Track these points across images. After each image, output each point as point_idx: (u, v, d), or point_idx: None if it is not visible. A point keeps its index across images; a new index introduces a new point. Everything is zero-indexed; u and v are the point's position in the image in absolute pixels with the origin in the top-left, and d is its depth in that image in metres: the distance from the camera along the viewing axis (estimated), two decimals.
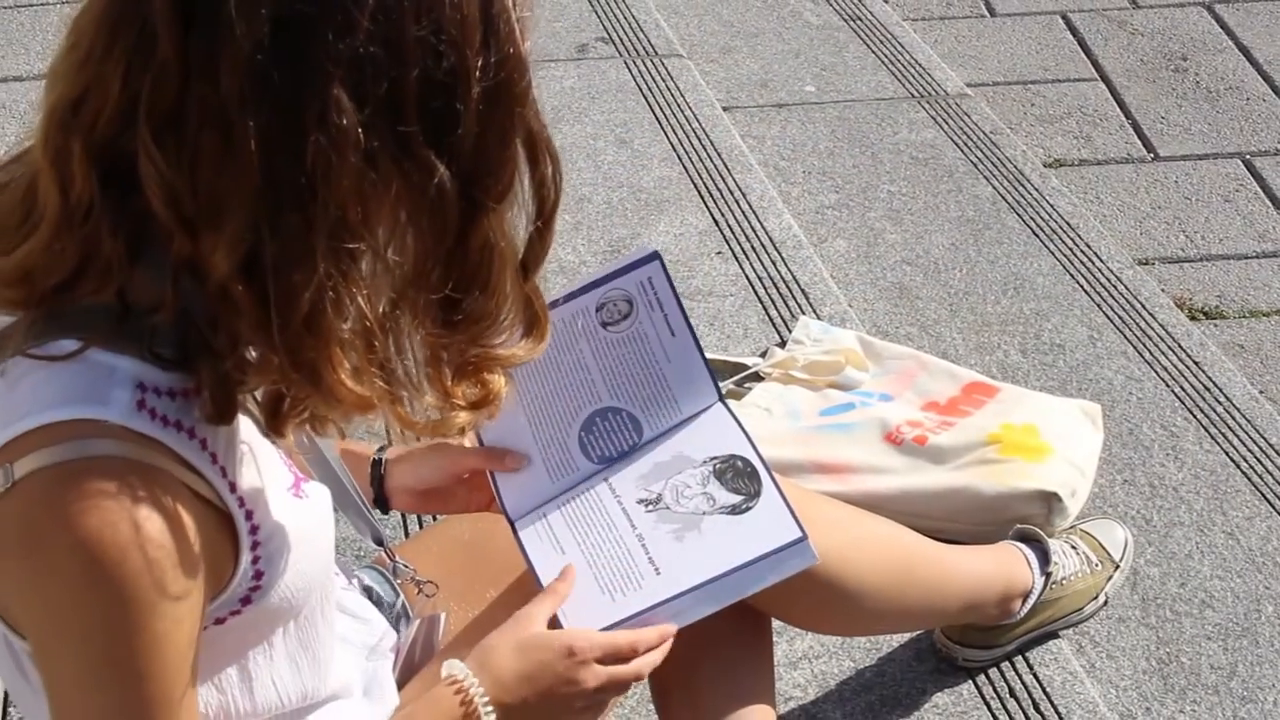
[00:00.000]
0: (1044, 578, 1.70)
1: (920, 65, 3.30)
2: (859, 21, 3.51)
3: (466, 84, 0.85)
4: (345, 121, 0.82)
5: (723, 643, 1.44)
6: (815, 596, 1.42)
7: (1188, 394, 2.29)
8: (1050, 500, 1.87)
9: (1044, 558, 1.71)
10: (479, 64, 0.85)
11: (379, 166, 0.84)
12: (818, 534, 1.36)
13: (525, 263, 0.96)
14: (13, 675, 1.00)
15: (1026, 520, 1.80)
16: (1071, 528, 1.89)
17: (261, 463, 0.99)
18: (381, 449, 1.39)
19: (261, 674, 1.07)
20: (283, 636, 1.07)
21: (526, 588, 1.28)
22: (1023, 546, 1.72)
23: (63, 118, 0.87)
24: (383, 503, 1.38)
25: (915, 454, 1.98)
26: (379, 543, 1.36)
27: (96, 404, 0.87)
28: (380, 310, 0.89)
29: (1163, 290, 2.62)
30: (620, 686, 1.21)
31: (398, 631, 1.31)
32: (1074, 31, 3.58)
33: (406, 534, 1.88)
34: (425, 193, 0.86)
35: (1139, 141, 3.18)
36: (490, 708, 1.14)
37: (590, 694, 1.18)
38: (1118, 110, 3.26)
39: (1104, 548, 1.84)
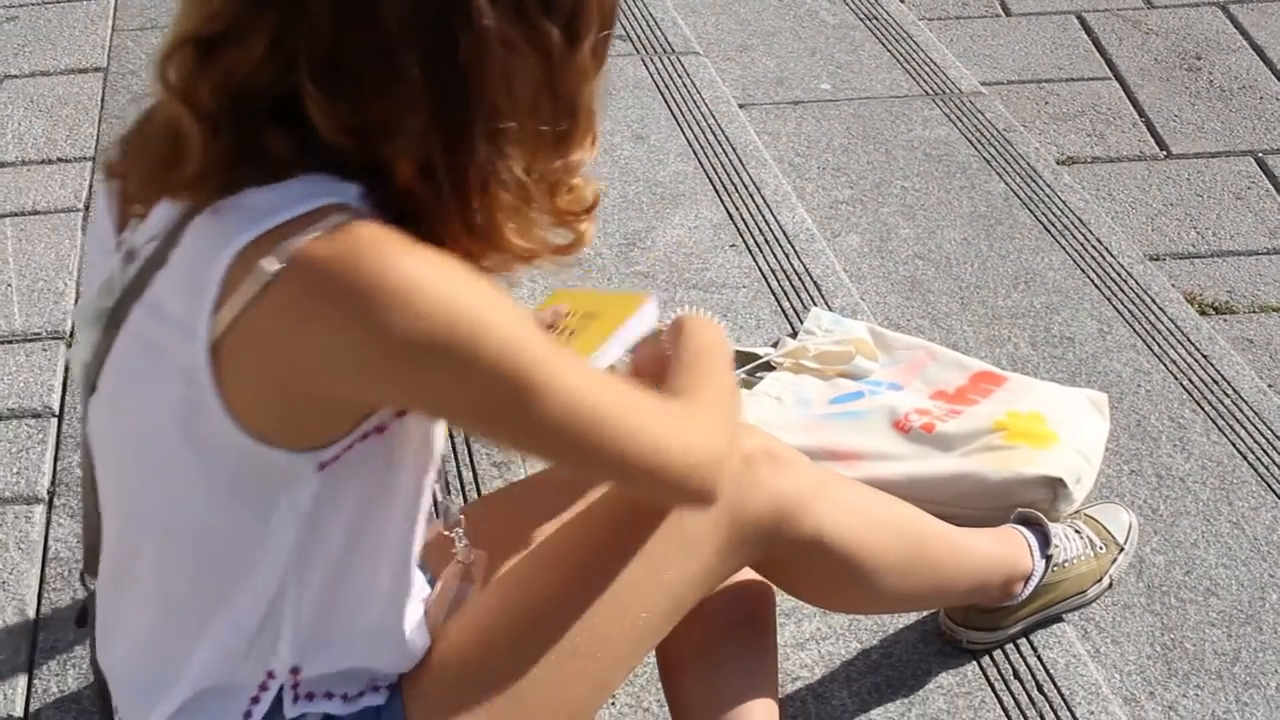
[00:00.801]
0: (1045, 560, 1.73)
1: (935, 64, 3.33)
2: (875, 20, 3.54)
3: None
4: (486, 20, 0.99)
5: (727, 625, 1.48)
6: (831, 574, 1.46)
7: (1196, 386, 2.32)
8: (1055, 486, 1.90)
9: (1044, 540, 1.74)
10: None
11: (515, 47, 1.01)
12: (837, 514, 1.42)
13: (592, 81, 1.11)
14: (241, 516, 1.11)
15: (1032, 506, 1.82)
16: (1076, 513, 1.91)
17: None
18: None
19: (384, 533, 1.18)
20: (400, 500, 1.18)
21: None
22: (1024, 530, 1.75)
23: (194, 57, 1.01)
24: None
25: (923, 441, 2.01)
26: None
27: (338, 194, 1.02)
28: (526, 169, 1.06)
29: (1173, 285, 2.64)
30: None
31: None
32: (1088, 31, 3.60)
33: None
34: (549, 55, 1.03)
35: (1152, 139, 3.20)
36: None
37: None
38: (1131, 109, 3.29)
39: (1108, 531, 1.87)
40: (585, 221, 1.15)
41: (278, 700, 1.20)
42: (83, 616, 1.38)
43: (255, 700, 1.19)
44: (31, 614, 1.79)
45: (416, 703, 1.25)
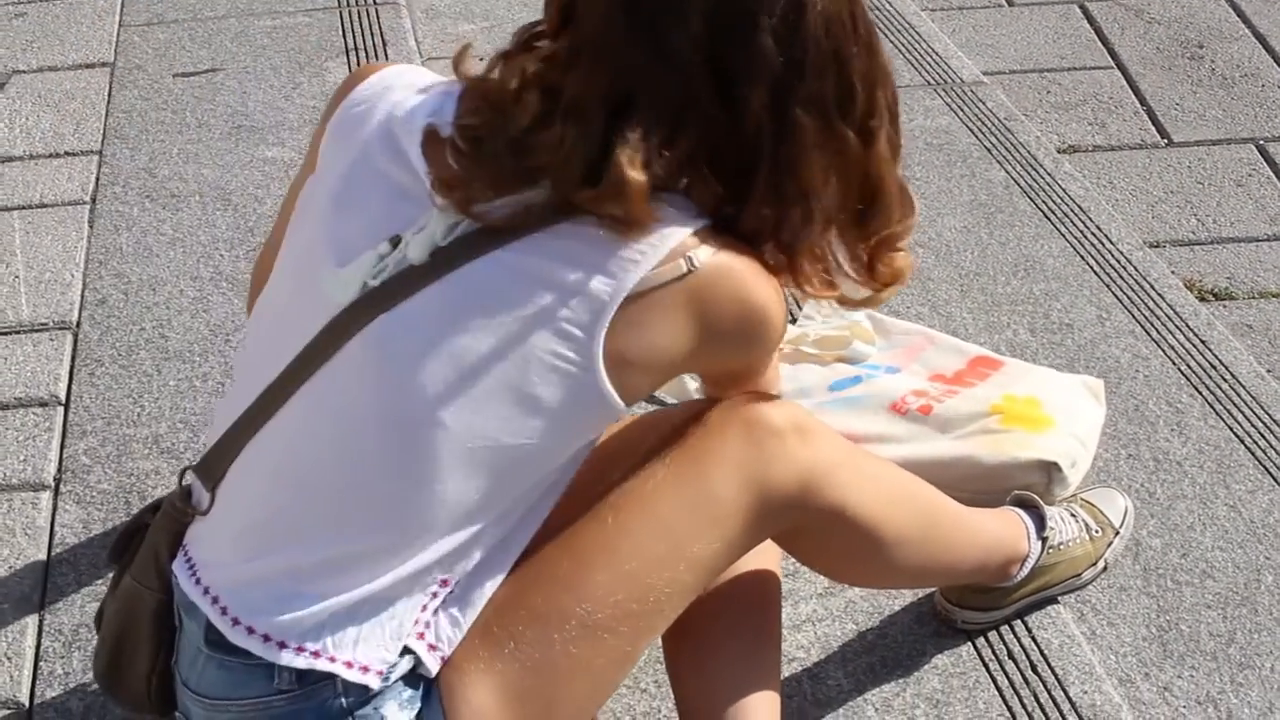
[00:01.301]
0: (1040, 543, 1.75)
1: (937, 54, 3.34)
2: (878, 11, 3.55)
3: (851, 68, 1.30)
4: (802, 121, 1.28)
5: (733, 619, 1.51)
6: (849, 545, 1.50)
7: (1194, 371, 2.33)
8: (1050, 470, 1.92)
9: (1040, 523, 1.75)
10: (854, 49, 1.30)
11: (823, 145, 1.29)
12: (861, 485, 1.46)
13: (894, 155, 1.35)
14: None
15: (1027, 489, 1.84)
16: (1072, 496, 1.93)
17: None
18: None
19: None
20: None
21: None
22: (1020, 512, 1.77)
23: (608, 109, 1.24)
24: None
25: (919, 422, 2.02)
26: None
27: (708, 218, 1.30)
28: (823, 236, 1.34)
29: (1172, 272, 2.65)
30: None
31: None
32: (1091, 20, 3.61)
33: None
34: (848, 150, 1.30)
35: (1153, 128, 3.21)
36: None
37: None
38: (1133, 97, 3.29)
39: (1104, 515, 1.88)
40: (889, 290, 1.40)
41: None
42: (123, 546, 1.45)
43: (424, 608, 1.30)
44: (37, 598, 1.82)
45: (447, 670, 1.30)
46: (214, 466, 1.35)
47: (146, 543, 1.40)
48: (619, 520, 1.35)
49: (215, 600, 1.30)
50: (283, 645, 1.26)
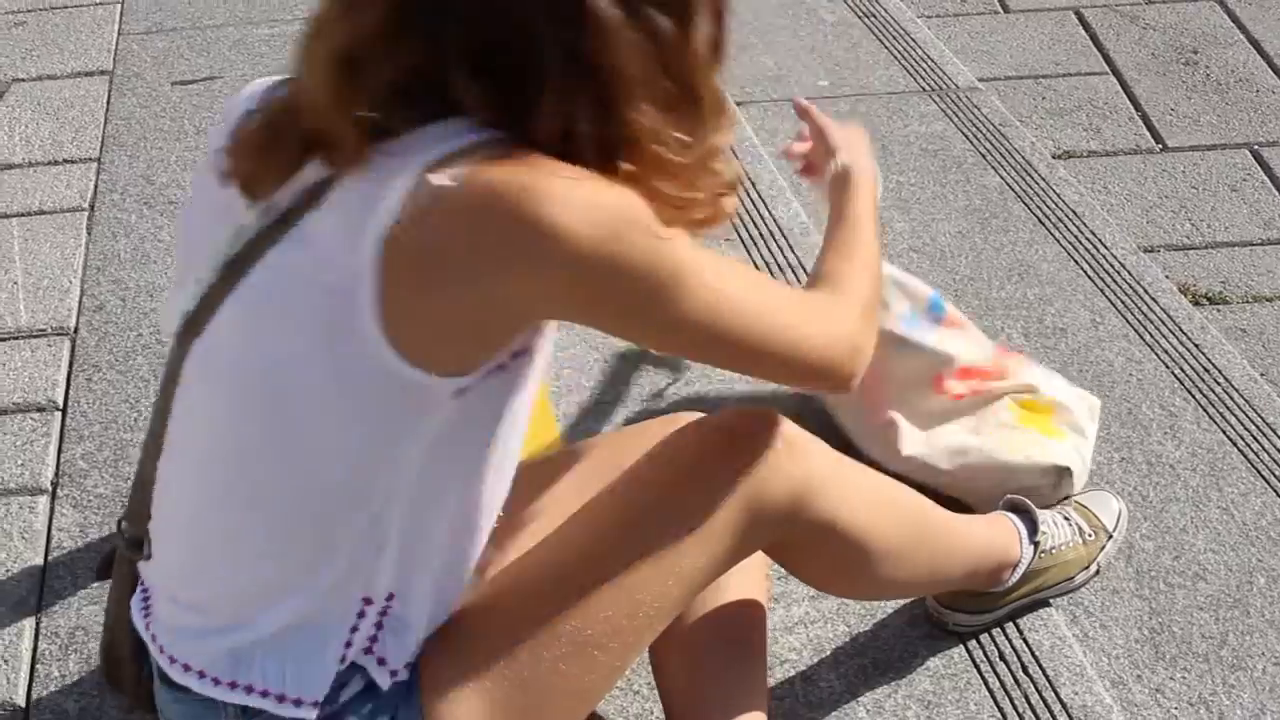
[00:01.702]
0: (1032, 547, 1.75)
1: (932, 60, 3.35)
2: (873, 18, 3.56)
3: None
4: (603, 14, 1.10)
5: (719, 642, 1.52)
6: (838, 558, 1.50)
7: (1187, 375, 2.34)
8: (1062, 474, 1.92)
9: (1033, 528, 1.76)
10: None
11: (629, 37, 1.11)
12: (850, 499, 1.45)
13: (713, 61, 1.19)
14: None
15: (1031, 491, 1.84)
16: (1066, 499, 1.93)
17: None
18: None
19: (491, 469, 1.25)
20: (514, 430, 1.26)
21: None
22: (1013, 517, 1.77)
23: (345, 72, 1.12)
24: None
25: (947, 409, 2.01)
26: None
27: (494, 134, 1.12)
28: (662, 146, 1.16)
29: (1167, 276, 2.66)
30: None
31: None
32: (1086, 26, 3.62)
33: None
34: (662, 43, 1.13)
35: (1148, 133, 3.22)
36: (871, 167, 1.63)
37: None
38: (1128, 103, 3.30)
39: (1098, 519, 1.89)
40: (727, 196, 1.24)
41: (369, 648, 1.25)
42: (106, 567, 1.43)
43: (354, 630, 1.24)
44: (34, 601, 1.82)
45: (431, 682, 1.28)
46: (136, 513, 1.34)
47: (114, 576, 1.41)
48: (608, 536, 1.35)
49: (154, 639, 1.30)
50: (217, 681, 1.24)
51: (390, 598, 1.24)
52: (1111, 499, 1.93)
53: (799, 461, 1.40)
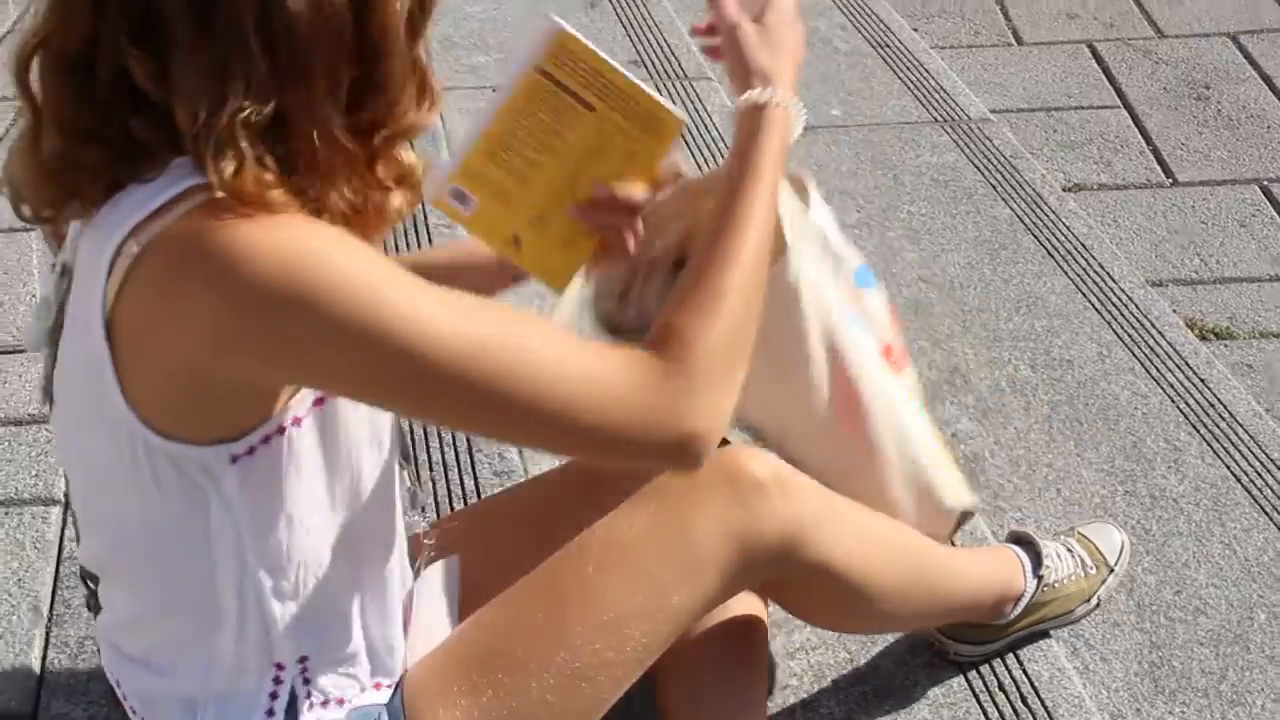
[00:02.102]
0: (1036, 580, 1.76)
1: (945, 91, 3.38)
2: (886, 49, 3.59)
3: None
4: None
5: (718, 662, 1.52)
6: (834, 598, 1.50)
7: (1192, 410, 2.35)
8: (965, 519, 1.73)
9: (1037, 560, 1.77)
10: None
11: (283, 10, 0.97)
12: (844, 541, 1.44)
13: (410, 37, 1.05)
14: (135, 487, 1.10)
15: (933, 528, 1.67)
16: (1070, 530, 1.94)
17: None
18: None
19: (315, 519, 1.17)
20: (358, 490, 1.19)
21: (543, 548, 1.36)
22: (1017, 549, 1.79)
23: (44, 59, 1.02)
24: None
25: (895, 380, 1.65)
26: (405, 459, 1.39)
27: (201, 178, 1.00)
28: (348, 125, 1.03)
29: (1174, 311, 2.67)
30: None
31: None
32: (1099, 60, 3.64)
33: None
34: (327, 5, 0.99)
35: (1159, 167, 3.24)
36: (792, 99, 1.29)
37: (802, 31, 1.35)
38: (1139, 137, 3.32)
39: (1100, 552, 1.90)
40: (393, 193, 1.08)
41: (293, 703, 1.23)
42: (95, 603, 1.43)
43: (274, 696, 1.23)
44: (45, 610, 1.84)
45: (416, 713, 1.28)
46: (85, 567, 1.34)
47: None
48: (599, 570, 1.34)
49: (118, 684, 1.31)
50: None
51: (303, 660, 1.23)
52: (1114, 531, 1.94)
53: (792, 502, 1.40)
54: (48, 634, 1.81)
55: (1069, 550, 1.86)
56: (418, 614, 1.35)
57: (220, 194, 0.98)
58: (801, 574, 1.44)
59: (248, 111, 0.98)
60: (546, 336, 1.08)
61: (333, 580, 1.21)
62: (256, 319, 0.98)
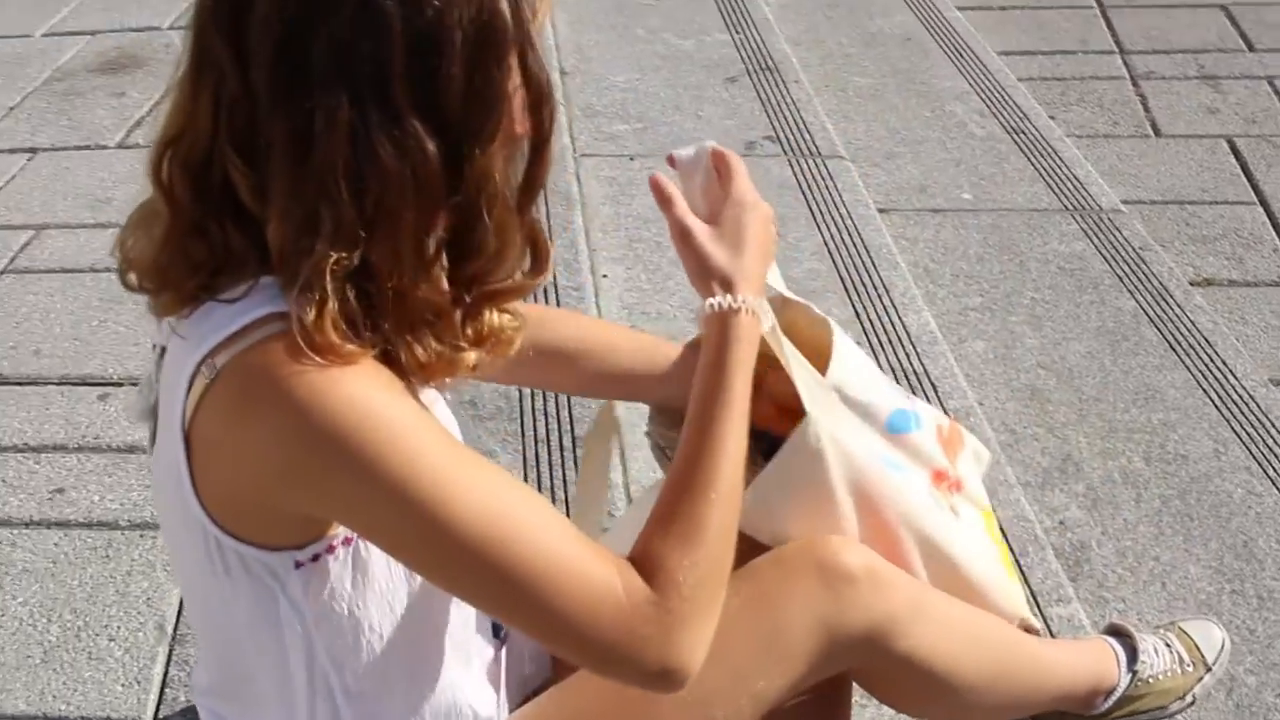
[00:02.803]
0: (1130, 675, 1.76)
1: (1078, 179, 3.39)
2: (1022, 134, 3.61)
3: (450, 42, 1.00)
4: (344, 115, 0.99)
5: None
6: (920, 689, 1.51)
7: None
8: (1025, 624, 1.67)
9: (1132, 655, 1.77)
10: (458, 18, 1.00)
11: (385, 152, 1.00)
12: (932, 635, 1.45)
13: (521, 197, 1.08)
14: (211, 581, 1.17)
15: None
16: (1170, 624, 1.93)
17: None
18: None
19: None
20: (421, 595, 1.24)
21: None
22: (1113, 641, 1.78)
23: (170, 155, 1.08)
24: None
25: (954, 501, 1.63)
26: None
27: (281, 303, 1.05)
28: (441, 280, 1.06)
29: None
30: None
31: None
32: (1238, 155, 3.62)
33: None
34: (428, 162, 1.01)
35: None
36: (755, 300, 1.25)
37: (767, 213, 1.31)
38: (1273, 234, 3.29)
39: (1199, 648, 1.88)
40: (468, 352, 1.10)
41: None
42: None
43: None
44: (170, 629, 1.96)
45: None
46: None
47: None
48: None
49: None
50: None
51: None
52: (1215, 630, 1.93)
53: (882, 595, 1.41)
54: (170, 651, 1.92)
55: (1167, 645, 1.85)
56: (509, 675, 1.41)
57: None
58: (888, 664, 1.45)
59: (334, 258, 1.01)
60: (554, 533, 1.09)
61: (399, 673, 1.27)
62: (306, 461, 1.04)
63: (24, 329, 2.72)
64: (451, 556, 1.06)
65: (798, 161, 3.34)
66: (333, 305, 1.02)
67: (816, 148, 3.40)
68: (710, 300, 1.25)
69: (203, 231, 1.08)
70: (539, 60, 1.06)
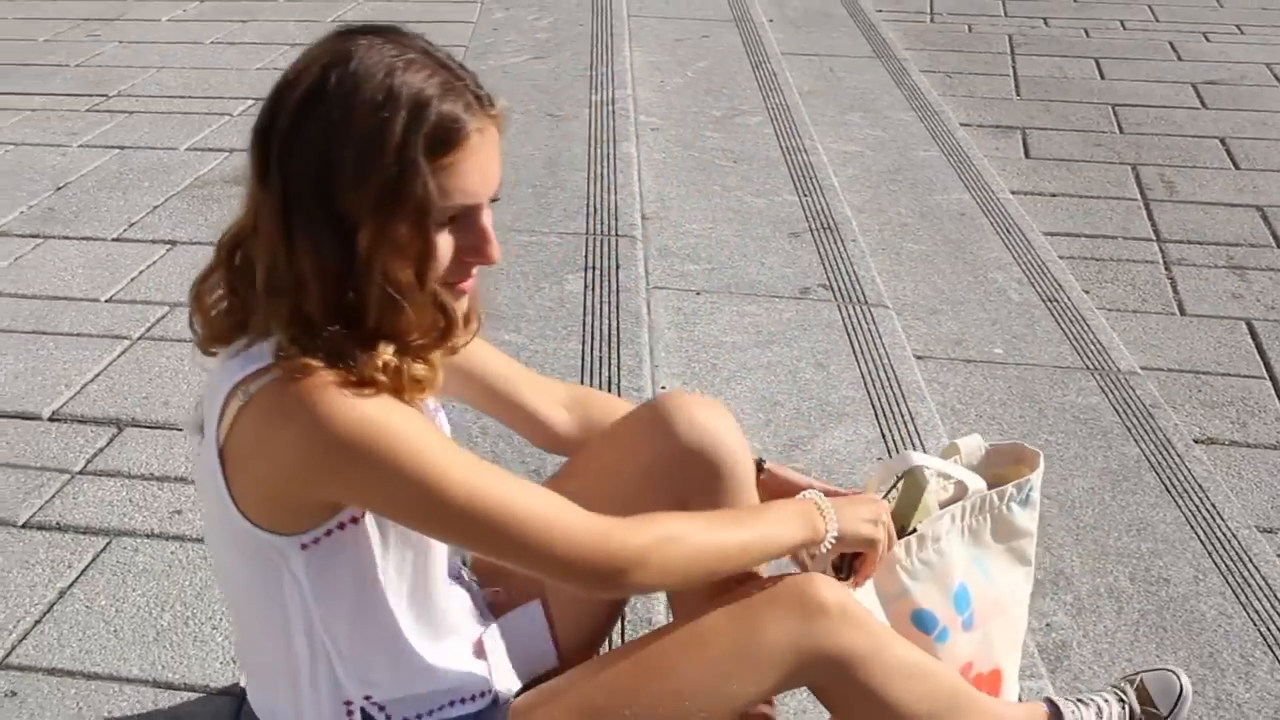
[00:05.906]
0: None
1: (1100, 344, 3.71)
2: (1055, 303, 3.96)
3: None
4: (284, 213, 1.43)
5: None
6: (872, 713, 1.73)
7: (1273, 634, 2.57)
8: None
9: (1058, 716, 1.97)
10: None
11: (299, 236, 1.42)
12: (890, 675, 1.72)
13: (418, 273, 1.46)
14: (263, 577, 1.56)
15: None
16: (1133, 675, 2.11)
17: None
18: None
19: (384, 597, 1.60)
20: (404, 567, 1.60)
21: None
22: (1048, 707, 1.98)
23: (236, 241, 1.51)
24: None
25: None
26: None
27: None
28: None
29: (1278, 556, 2.90)
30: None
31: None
32: (1254, 335, 3.92)
33: None
34: (319, 245, 1.41)
35: None
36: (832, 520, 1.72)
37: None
38: (1278, 404, 3.57)
39: (1152, 700, 2.05)
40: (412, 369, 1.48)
41: None
42: None
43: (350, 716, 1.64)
44: None
45: None
46: None
47: None
48: (679, 645, 1.67)
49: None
50: None
51: (368, 697, 1.63)
52: (1175, 680, 2.03)
53: (848, 629, 1.68)
54: None
55: (1120, 698, 2.04)
56: (498, 648, 1.77)
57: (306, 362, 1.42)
58: (846, 689, 1.72)
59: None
60: (526, 497, 1.49)
61: (388, 640, 1.61)
62: (336, 462, 1.40)
63: (156, 384, 3.14)
64: (448, 517, 1.44)
65: (846, 307, 3.69)
66: (298, 355, 1.44)
67: (864, 296, 3.77)
68: (810, 492, 1.79)
69: (240, 300, 1.50)
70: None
